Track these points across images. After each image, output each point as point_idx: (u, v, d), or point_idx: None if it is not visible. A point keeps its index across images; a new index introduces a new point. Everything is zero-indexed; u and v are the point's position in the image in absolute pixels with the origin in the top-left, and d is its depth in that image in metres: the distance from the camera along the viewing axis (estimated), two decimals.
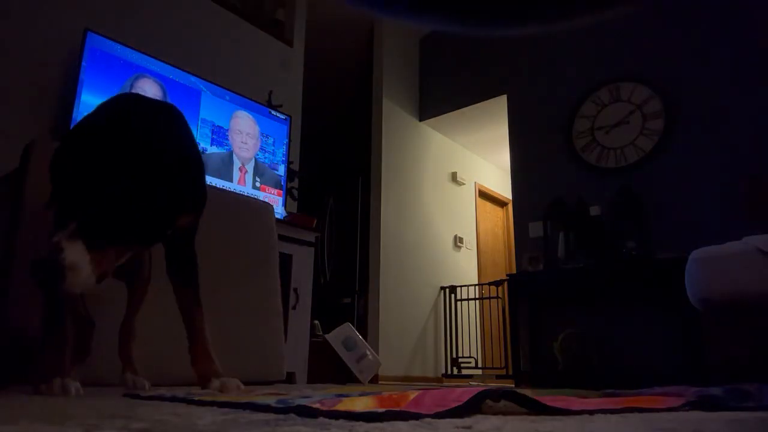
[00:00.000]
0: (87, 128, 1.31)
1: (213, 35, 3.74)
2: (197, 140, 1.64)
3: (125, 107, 1.38)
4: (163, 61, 3.10)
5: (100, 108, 1.40)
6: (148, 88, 3.03)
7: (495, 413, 0.85)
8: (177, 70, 3.17)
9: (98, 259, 1.10)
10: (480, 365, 5.39)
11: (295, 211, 3.94)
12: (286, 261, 3.18)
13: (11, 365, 1.30)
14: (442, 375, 5.26)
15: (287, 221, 3.40)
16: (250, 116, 3.52)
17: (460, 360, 5.26)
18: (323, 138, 6.48)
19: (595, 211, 4.07)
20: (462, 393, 0.83)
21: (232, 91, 3.45)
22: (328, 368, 3.40)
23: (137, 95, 1.53)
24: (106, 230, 1.12)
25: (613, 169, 4.18)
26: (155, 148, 1.24)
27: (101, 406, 0.90)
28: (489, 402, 0.90)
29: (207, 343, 1.47)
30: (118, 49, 2.93)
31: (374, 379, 4.11)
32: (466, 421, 0.70)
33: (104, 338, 1.77)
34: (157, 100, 1.52)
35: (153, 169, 1.20)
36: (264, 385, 2.20)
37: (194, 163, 1.42)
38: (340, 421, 0.67)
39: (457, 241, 5.82)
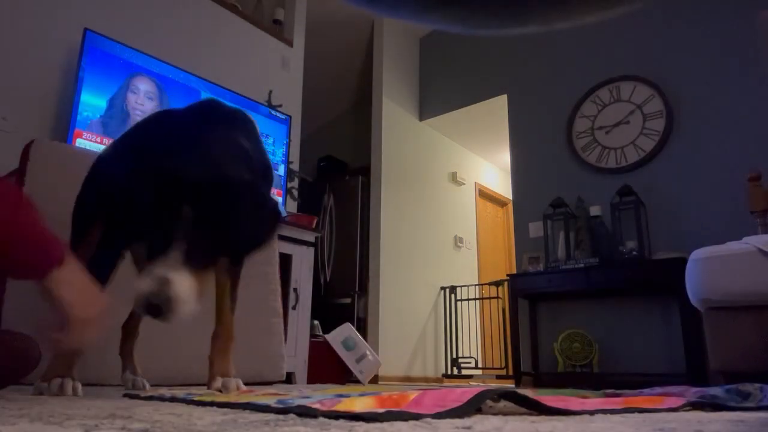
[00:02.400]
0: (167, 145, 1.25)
1: (213, 35, 3.74)
2: None
3: (207, 120, 1.34)
4: (162, 61, 3.10)
5: (177, 123, 1.36)
6: (148, 88, 3.03)
7: (495, 413, 0.85)
8: (176, 69, 3.17)
9: (201, 281, 1.06)
10: (480, 365, 5.39)
11: (295, 211, 3.93)
12: (286, 261, 3.18)
13: (9, 366, 1.30)
14: (442, 375, 5.26)
15: (287, 221, 3.40)
16: None
17: (460, 360, 5.26)
18: (323, 138, 6.48)
19: (595, 211, 4.07)
20: (462, 393, 0.83)
21: (232, 91, 3.44)
22: (328, 368, 3.40)
23: (213, 103, 1.46)
24: (209, 252, 1.08)
25: (613, 169, 4.18)
26: (249, 160, 1.24)
27: (101, 406, 0.90)
28: (489, 402, 0.90)
29: (229, 338, 1.46)
30: (118, 49, 2.93)
31: (374, 379, 4.11)
32: (466, 421, 0.70)
33: (107, 338, 1.77)
34: (231, 108, 1.47)
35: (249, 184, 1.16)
36: (264, 385, 2.20)
37: (270, 171, 1.44)
38: (340, 421, 0.66)
39: (457, 241, 5.82)
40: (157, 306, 0.96)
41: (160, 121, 1.47)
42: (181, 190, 1.05)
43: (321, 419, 0.68)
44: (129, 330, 1.70)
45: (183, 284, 0.98)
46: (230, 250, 1.16)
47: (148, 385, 1.66)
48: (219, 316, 1.46)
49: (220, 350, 1.44)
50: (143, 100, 2.98)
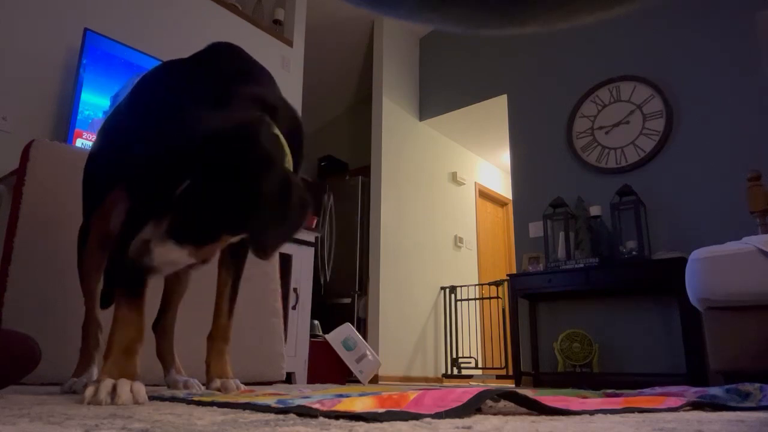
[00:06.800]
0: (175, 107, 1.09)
1: (213, 35, 3.73)
2: None
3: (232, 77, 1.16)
4: (162, 60, 3.10)
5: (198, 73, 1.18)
6: None
7: (495, 413, 0.85)
8: None
9: (194, 253, 0.97)
10: (480, 365, 5.39)
11: None
12: (286, 261, 3.19)
13: (9, 366, 1.30)
14: (442, 375, 5.26)
15: None
16: None
17: (460, 360, 5.26)
18: (323, 138, 6.48)
19: (595, 211, 4.07)
20: (462, 393, 0.83)
21: None
22: (328, 368, 3.40)
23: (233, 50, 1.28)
24: (202, 232, 0.97)
25: (613, 169, 4.18)
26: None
27: (101, 406, 0.90)
28: (489, 402, 0.90)
29: (224, 341, 1.42)
30: (118, 49, 2.93)
31: (374, 379, 4.11)
32: (466, 421, 0.70)
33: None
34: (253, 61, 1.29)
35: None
36: (264, 385, 2.20)
37: (302, 136, 1.30)
38: (340, 421, 0.66)
39: (457, 241, 5.82)
40: (137, 269, 0.94)
41: (172, 74, 1.31)
42: (191, 148, 0.94)
43: (321, 419, 0.68)
44: (162, 329, 1.59)
45: (164, 255, 0.93)
46: (239, 229, 1.02)
47: (202, 387, 1.49)
48: (216, 317, 1.43)
49: (217, 353, 1.41)
50: None
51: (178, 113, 1.03)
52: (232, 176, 0.94)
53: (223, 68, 1.22)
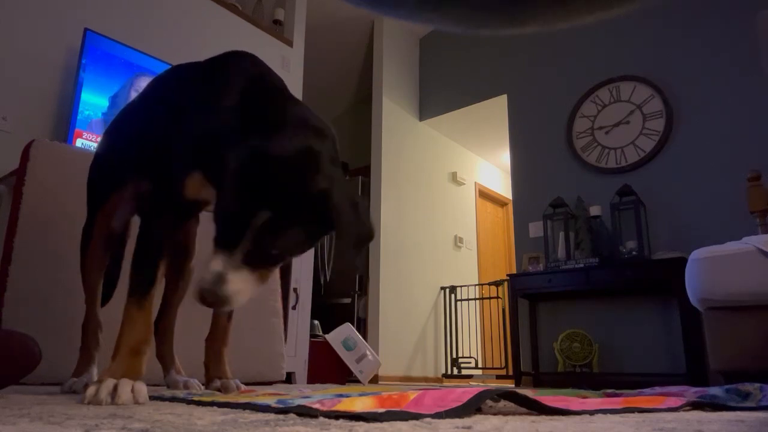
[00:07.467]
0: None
1: (213, 35, 3.74)
2: None
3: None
4: (162, 61, 3.10)
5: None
6: None
7: (495, 413, 0.85)
8: None
9: (258, 278, 1.00)
10: (480, 365, 5.39)
11: None
12: None
13: (9, 366, 1.29)
14: (442, 375, 5.26)
15: None
16: None
17: (460, 360, 5.26)
18: None
19: (595, 211, 4.07)
20: (462, 393, 0.83)
21: None
22: (328, 368, 3.40)
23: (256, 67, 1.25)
24: (273, 257, 0.99)
25: (613, 169, 4.18)
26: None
27: (101, 406, 0.90)
28: (489, 402, 0.90)
29: (223, 343, 1.42)
30: (118, 49, 2.93)
31: (374, 379, 4.11)
32: (466, 421, 0.70)
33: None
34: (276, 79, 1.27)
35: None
36: (264, 385, 2.20)
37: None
38: (340, 421, 0.66)
39: (457, 241, 5.82)
40: (210, 302, 0.96)
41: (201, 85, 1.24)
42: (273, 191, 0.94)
43: (321, 419, 0.68)
44: (162, 330, 1.58)
45: (238, 284, 0.95)
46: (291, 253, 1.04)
47: (202, 387, 1.49)
48: (215, 320, 1.43)
49: (215, 355, 1.41)
50: None
51: (236, 133, 1.02)
52: (309, 205, 0.96)
53: (255, 82, 1.21)
